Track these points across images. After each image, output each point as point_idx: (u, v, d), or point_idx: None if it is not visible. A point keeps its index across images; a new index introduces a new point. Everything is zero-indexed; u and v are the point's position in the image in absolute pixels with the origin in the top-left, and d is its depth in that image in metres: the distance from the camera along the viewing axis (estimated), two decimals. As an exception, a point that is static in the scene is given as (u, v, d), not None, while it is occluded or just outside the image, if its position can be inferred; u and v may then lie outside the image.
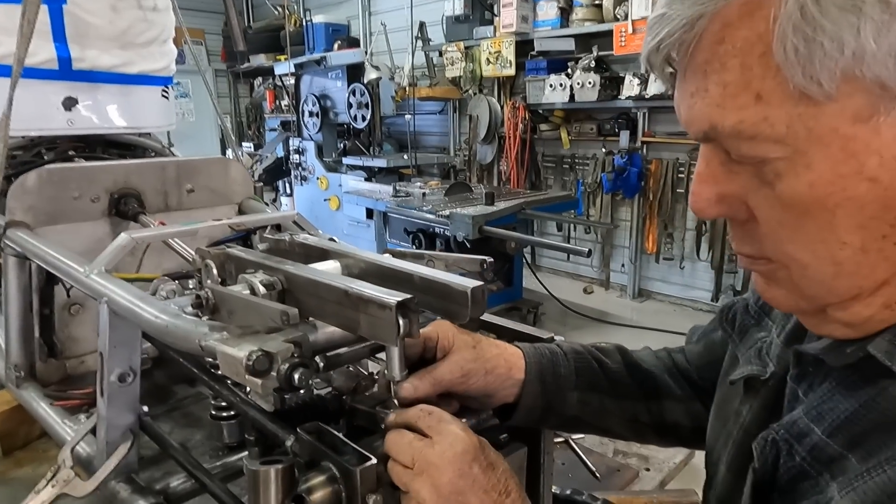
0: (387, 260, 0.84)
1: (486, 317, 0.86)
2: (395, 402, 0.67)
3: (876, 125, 0.41)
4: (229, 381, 0.87)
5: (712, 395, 0.76)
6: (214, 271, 0.88)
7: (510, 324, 0.85)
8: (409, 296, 0.64)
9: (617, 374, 0.80)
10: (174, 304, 0.86)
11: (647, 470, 1.22)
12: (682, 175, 5.12)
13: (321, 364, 0.73)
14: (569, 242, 5.76)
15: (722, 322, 0.71)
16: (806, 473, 0.49)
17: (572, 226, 5.85)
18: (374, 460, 0.60)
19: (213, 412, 1.08)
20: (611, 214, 5.64)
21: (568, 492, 1.06)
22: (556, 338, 0.81)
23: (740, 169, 0.48)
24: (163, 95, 2.05)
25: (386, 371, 0.69)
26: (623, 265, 5.77)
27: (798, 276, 0.49)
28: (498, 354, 0.73)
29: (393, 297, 0.63)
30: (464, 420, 0.74)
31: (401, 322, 0.62)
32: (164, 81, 2.05)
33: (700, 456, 1.04)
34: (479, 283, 0.71)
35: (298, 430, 0.66)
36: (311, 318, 0.79)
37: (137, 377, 0.95)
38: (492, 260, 0.82)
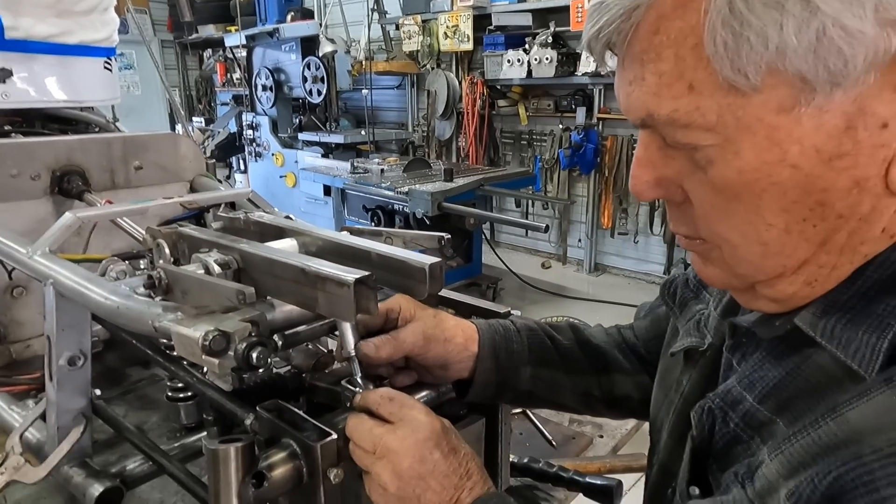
0: (344, 237, 0.83)
1: (445, 292, 0.87)
2: (357, 378, 0.67)
3: (797, 115, 0.44)
4: (185, 362, 0.86)
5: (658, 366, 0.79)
6: (167, 251, 0.86)
7: (468, 299, 0.86)
8: (366, 273, 0.64)
9: (569, 350, 0.83)
10: (125, 284, 0.84)
11: (601, 437, 1.27)
12: (637, 151, 5.22)
13: (279, 342, 0.73)
14: (527, 218, 5.83)
15: (664, 296, 0.74)
16: (738, 438, 0.52)
17: (530, 202, 5.91)
18: (334, 435, 0.61)
19: (170, 393, 1.06)
20: (568, 190, 5.72)
21: (525, 460, 1.09)
22: (512, 312, 0.83)
23: (676, 154, 0.50)
24: (105, 67, 1.95)
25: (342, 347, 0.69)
26: (580, 240, 5.88)
27: (729, 256, 0.52)
28: (455, 325, 0.75)
29: (351, 274, 0.63)
30: (424, 393, 0.76)
31: (359, 299, 0.63)
32: (107, 52, 1.95)
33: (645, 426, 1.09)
34: (437, 259, 0.72)
35: (258, 408, 0.66)
36: (268, 297, 0.78)
37: (88, 360, 0.93)
38: (449, 236, 0.83)
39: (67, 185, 1.32)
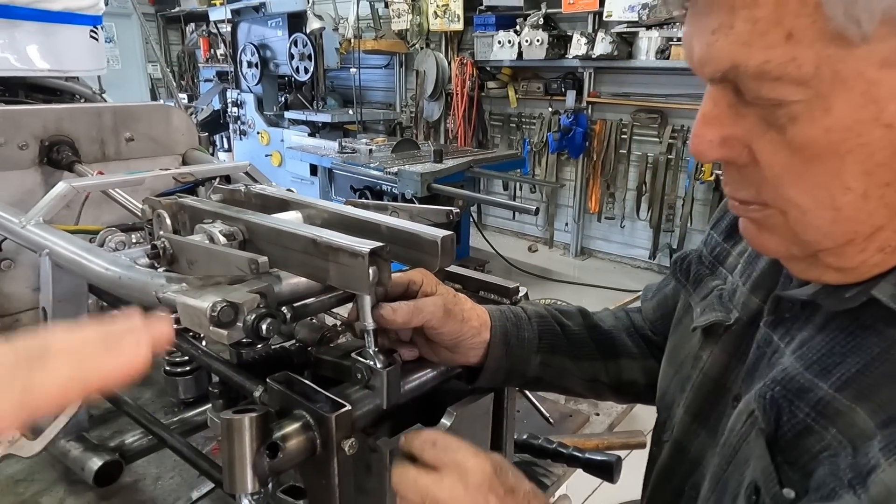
0: (351, 210, 0.82)
1: (451, 268, 0.86)
2: (370, 350, 0.66)
3: None
4: (191, 335, 0.84)
5: (664, 347, 0.80)
6: (168, 221, 0.84)
7: (477, 274, 0.86)
8: (381, 244, 0.63)
9: (578, 336, 0.82)
10: (125, 255, 0.82)
11: (597, 415, 1.28)
12: (626, 136, 5.24)
13: (288, 315, 0.72)
14: (515, 201, 5.83)
15: (675, 273, 0.74)
16: (810, 429, 0.49)
17: (518, 185, 5.91)
18: (348, 406, 0.60)
19: (168, 368, 1.05)
20: (556, 174, 5.73)
21: (524, 437, 1.10)
22: (520, 288, 0.82)
23: (748, 111, 0.47)
24: (91, 36, 1.89)
25: (357, 321, 0.68)
26: (566, 224, 5.91)
27: (795, 221, 0.49)
28: (472, 308, 0.74)
29: (364, 245, 0.62)
30: (430, 370, 0.75)
31: (371, 270, 0.62)
32: (93, 21, 1.89)
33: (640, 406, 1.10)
34: (448, 232, 0.71)
35: (268, 379, 0.65)
36: (273, 270, 0.77)
37: (85, 333, 0.91)
38: (458, 210, 0.82)
39: (57, 156, 1.28)
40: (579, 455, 1.03)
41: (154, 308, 0.85)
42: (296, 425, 0.59)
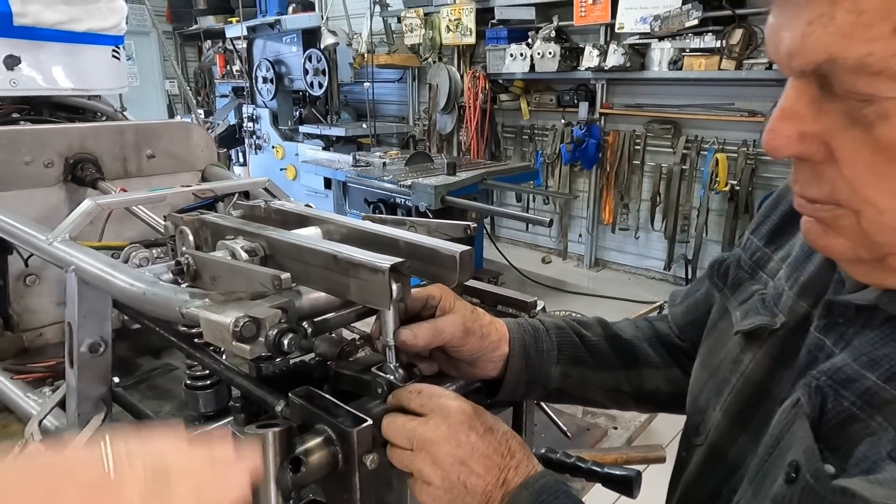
0: (369, 226, 0.83)
1: (469, 282, 0.87)
2: (391, 365, 0.67)
3: None
4: (212, 349, 0.86)
5: (692, 353, 0.79)
6: (190, 238, 0.86)
7: (494, 288, 0.86)
8: (401, 259, 0.64)
9: (597, 347, 0.82)
10: (149, 271, 0.83)
11: (615, 428, 1.27)
12: (639, 147, 5.23)
13: (309, 329, 0.73)
14: (528, 213, 5.83)
15: (712, 277, 0.73)
16: (855, 417, 0.49)
17: (531, 197, 5.91)
18: (369, 421, 0.61)
19: (189, 381, 1.06)
20: (569, 185, 5.72)
21: (542, 450, 1.09)
22: (538, 302, 0.83)
23: (832, 107, 0.45)
24: (113, 56, 1.94)
25: (380, 336, 0.69)
26: (580, 235, 5.89)
27: (869, 222, 0.47)
28: (490, 322, 0.74)
29: (385, 261, 0.63)
30: (450, 384, 0.76)
31: (394, 286, 0.63)
32: (115, 41, 1.94)
33: (663, 416, 1.09)
34: (467, 247, 0.71)
35: (290, 394, 0.66)
36: (294, 285, 0.78)
37: (109, 347, 0.93)
38: (475, 225, 0.83)
39: (81, 173, 1.31)
40: (598, 469, 1.02)
41: (177, 323, 0.87)
42: (318, 440, 0.60)
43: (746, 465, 0.63)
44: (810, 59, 0.44)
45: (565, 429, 1.22)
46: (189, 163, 1.50)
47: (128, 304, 0.82)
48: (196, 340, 0.87)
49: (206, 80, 9.03)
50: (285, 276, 0.64)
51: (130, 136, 1.40)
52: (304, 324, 0.73)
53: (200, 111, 8.22)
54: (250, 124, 6.73)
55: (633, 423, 1.29)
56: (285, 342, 0.64)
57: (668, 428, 2.78)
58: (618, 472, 1.01)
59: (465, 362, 0.73)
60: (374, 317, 0.72)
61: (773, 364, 0.62)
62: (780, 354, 0.62)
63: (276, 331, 0.65)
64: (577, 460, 1.07)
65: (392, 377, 0.66)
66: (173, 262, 0.76)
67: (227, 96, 8.01)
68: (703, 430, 0.69)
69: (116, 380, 0.98)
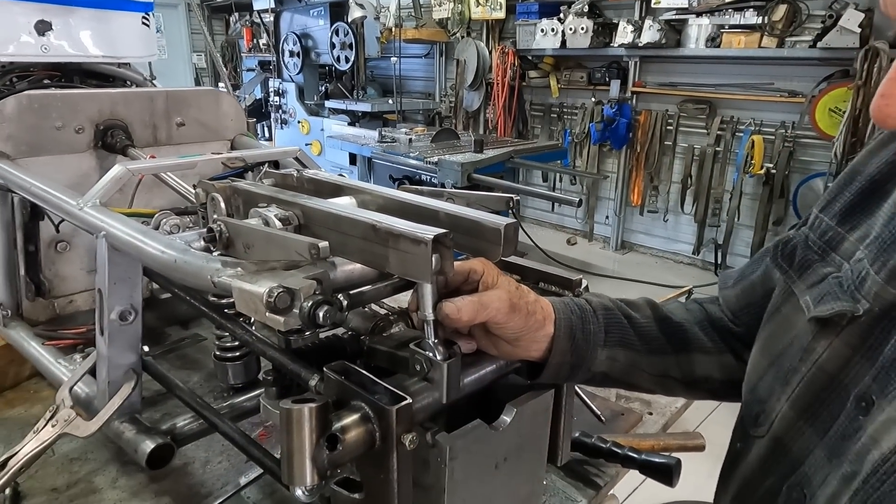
0: (407, 196, 0.79)
1: (511, 258, 0.83)
2: (430, 341, 0.63)
3: None
4: (242, 320, 0.83)
5: (747, 339, 0.74)
6: (222, 205, 0.83)
7: (536, 265, 0.82)
8: (444, 230, 0.60)
9: (646, 330, 0.77)
10: (180, 238, 0.81)
11: (650, 414, 1.23)
12: (671, 127, 5.09)
13: (345, 302, 0.70)
14: (554, 192, 5.74)
15: (776, 257, 0.68)
16: None
17: (558, 176, 5.82)
18: (409, 399, 0.58)
19: (218, 353, 1.04)
20: (597, 166, 5.62)
21: (576, 434, 1.06)
22: (583, 280, 0.78)
23: None
24: (143, 23, 1.92)
25: (417, 311, 0.65)
26: (607, 217, 5.79)
27: None
28: (536, 300, 0.70)
29: (428, 231, 0.59)
30: (491, 364, 0.72)
31: (434, 258, 0.59)
32: (145, 7, 1.91)
33: (699, 403, 1.04)
34: (512, 220, 0.67)
35: (325, 368, 0.63)
36: (329, 256, 0.75)
37: (139, 315, 0.91)
38: (518, 198, 0.78)
39: (111, 140, 1.29)
40: (635, 456, 0.99)
41: (208, 292, 0.84)
42: (355, 417, 0.57)
43: (811, 462, 0.58)
44: None
45: (599, 413, 1.18)
46: (218, 132, 1.47)
47: (158, 271, 0.80)
48: (226, 311, 0.85)
49: (233, 53, 9.03)
50: (323, 244, 0.61)
51: (160, 103, 1.38)
52: (340, 296, 0.70)
53: (229, 84, 8.26)
54: (276, 98, 6.72)
55: (668, 409, 1.25)
56: (320, 315, 0.62)
57: (700, 414, 2.73)
58: (657, 460, 0.98)
59: (507, 341, 0.69)
60: (412, 290, 0.69)
61: (853, 354, 0.57)
62: (860, 344, 0.57)
63: (311, 302, 0.62)
64: (612, 445, 1.03)
65: (431, 354, 0.63)
66: (205, 229, 0.73)
67: (253, 70, 8.00)
68: (765, 420, 0.65)
69: (146, 349, 0.96)
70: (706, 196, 4.96)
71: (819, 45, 3.99)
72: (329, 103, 6.32)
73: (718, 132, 4.82)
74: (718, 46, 4.48)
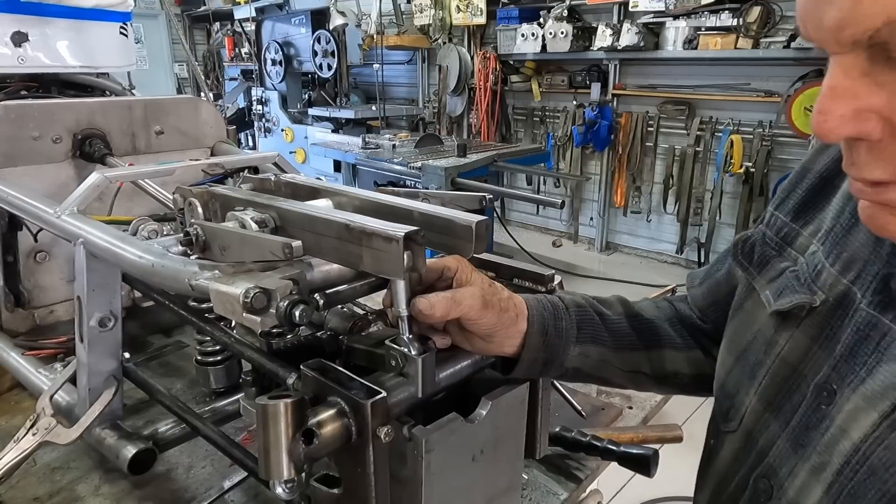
0: (383, 197, 0.81)
1: (484, 255, 0.85)
2: (405, 338, 0.65)
3: None
4: (223, 324, 0.84)
5: (715, 335, 0.76)
6: (199, 210, 0.84)
7: (510, 261, 0.84)
8: (415, 228, 0.61)
9: (618, 326, 0.78)
10: (158, 243, 0.82)
11: (630, 408, 1.25)
12: (652, 129, 5.15)
13: (321, 301, 0.71)
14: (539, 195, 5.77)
15: (737, 255, 0.70)
16: None
17: (542, 179, 5.86)
18: (383, 393, 0.59)
19: (199, 358, 1.05)
20: (580, 168, 5.66)
21: (557, 429, 1.08)
22: (555, 276, 0.80)
23: (887, 79, 0.43)
24: (121, 33, 1.92)
25: (392, 307, 0.67)
26: (591, 218, 5.84)
27: None
28: (509, 297, 0.71)
29: (399, 229, 0.61)
30: (467, 360, 0.74)
31: (406, 255, 0.61)
32: (122, 17, 1.91)
33: (679, 397, 1.07)
34: (483, 217, 0.69)
35: (302, 366, 0.64)
36: (305, 257, 0.76)
37: (118, 321, 0.92)
38: (492, 196, 0.80)
39: (89, 149, 1.29)
40: (614, 448, 1.01)
41: (187, 295, 0.85)
42: (331, 412, 0.58)
43: (776, 453, 0.60)
44: (866, 27, 0.41)
45: (580, 408, 1.20)
46: (198, 139, 1.48)
47: (137, 276, 0.81)
48: (207, 315, 0.86)
49: (215, 63, 9.00)
50: (296, 243, 0.62)
51: (139, 111, 1.38)
52: (316, 296, 0.71)
53: (210, 94, 8.22)
54: (259, 107, 6.69)
55: (648, 403, 1.27)
56: (297, 314, 0.63)
57: (682, 408, 2.75)
58: (634, 452, 1.00)
59: (481, 337, 0.70)
60: (388, 287, 0.70)
61: (811, 344, 0.59)
62: (818, 334, 0.59)
63: (287, 302, 0.63)
64: (592, 439, 1.05)
65: (406, 350, 0.64)
66: (182, 234, 0.74)
67: (236, 79, 7.97)
68: (735, 415, 0.67)
69: (127, 355, 0.97)
70: (688, 196, 5.02)
71: (793, 45, 4.06)
72: (312, 111, 6.32)
73: (698, 132, 4.89)
74: (696, 48, 4.55)
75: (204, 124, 1.49)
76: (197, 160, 1.08)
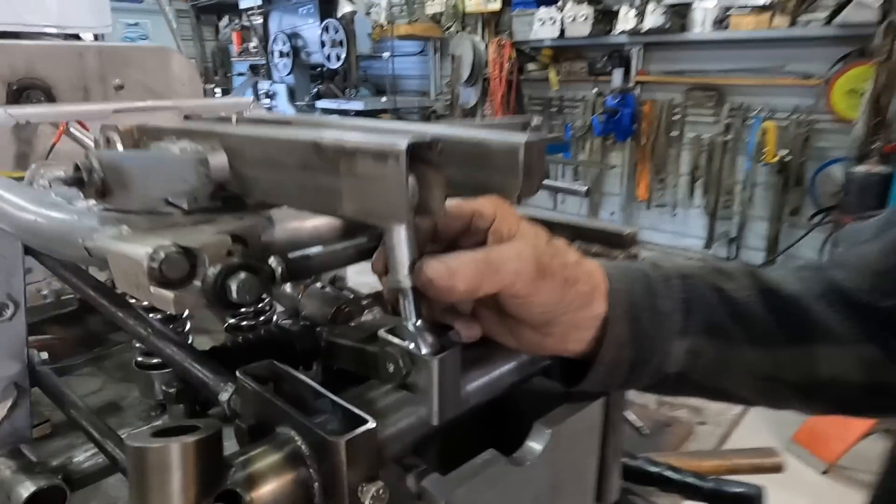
0: (381, 123, 0.55)
1: (533, 212, 0.59)
2: (408, 324, 0.39)
3: None
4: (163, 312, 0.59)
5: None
6: (119, 146, 0.59)
7: (565, 217, 0.58)
8: (426, 140, 0.36)
9: (746, 308, 0.50)
10: (56, 193, 0.57)
11: (703, 424, 0.98)
12: (678, 117, 4.86)
13: (279, 269, 0.45)
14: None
15: None
16: None
17: (560, 171, 5.60)
18: (370, 423, 0.33)
19: (140, 359, 0.80)
20: (601, 159, 5.40)
21: (616, 454, 0.81)
22: (637, 235, 0.54)
23: None
24: (92, -12, 1.69)
25: (387, 274, 0.41)
26: (612, 213, 5.56)
27: None
28: (577, 263, 0.44)
29: (399, 141, 0.35)
30: (511, 362, 0.47)
31: (410, 181, 0.35)
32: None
33: (757, 409, 0.79)
34: (537, 135, 0.43)
35: (238, 373, 0.39)
36: (264, 212, 0.51)
37: (21, 309, 0.67)
38: (540, 119, 0.54)
39: (28, 102, 1.05)
40: (700, 484, 0.74)
41: (83, 262, 0.60)
42: (275, 457, 0.33)
43: None
44: None
45: (640, 424, 0.94)
46: (167, 96, 1.24)
47: (22, 239, 0.56)
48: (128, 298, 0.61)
49: (224, 59, 8.88)
50: (218, 158, 0.37)
51: (92, 60, 1.14)
52: (272, 260, 0.45)
53: (218, 89, 8.07)
54: (267, 101, 6.53)
55: (723, 418, 1.00)
56: (233, 287, 0.38)
57: (762, 421, 2.10)
58: (731, 490, 0.73)
59: (533, 326, 0.43)
60: (381, 243, 0.43)
61: None
62: None
63: (219, 268, 0.38)
64: (666, 469, 0.78)
65: (412, 345, 0.38)
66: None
67: (244, 74, 7.84)
68: None
69: (44, 356, 0.72)
70: (717, 188, 4.73)
71: (834, 22, 3.76)
72: (321, 104, 6.12)
73: (728, 120, 4.59)
74: (726, 29, 4.27)
75: (175, 80, 1.25)
76: (143, 103, 0.83)
